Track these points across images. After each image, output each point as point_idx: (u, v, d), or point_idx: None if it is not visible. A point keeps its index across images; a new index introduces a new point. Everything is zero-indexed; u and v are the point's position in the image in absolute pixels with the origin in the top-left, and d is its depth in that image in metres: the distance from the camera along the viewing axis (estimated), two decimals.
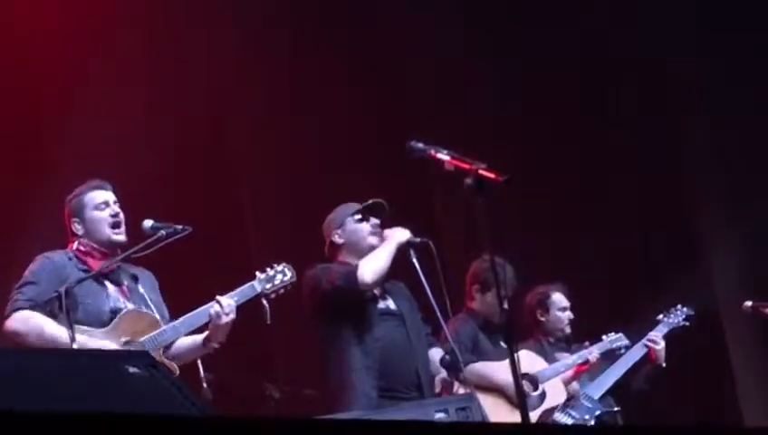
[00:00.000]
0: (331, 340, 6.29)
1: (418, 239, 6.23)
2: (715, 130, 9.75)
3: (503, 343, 6.88)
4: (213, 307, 5.79)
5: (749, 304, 7.98)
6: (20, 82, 8.28)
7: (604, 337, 7.64)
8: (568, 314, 7.74)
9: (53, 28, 8.43)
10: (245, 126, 9.35)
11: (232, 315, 5.81)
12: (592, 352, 7.52)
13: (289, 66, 9.26)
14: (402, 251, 6.22)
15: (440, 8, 9.70)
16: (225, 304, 5.79)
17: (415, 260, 6.14)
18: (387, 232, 6.34)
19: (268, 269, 6.00)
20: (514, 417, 6.65)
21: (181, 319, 5.85)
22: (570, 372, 7.43)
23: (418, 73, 9.82)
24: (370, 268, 6.22)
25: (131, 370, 3.97)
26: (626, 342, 7.66)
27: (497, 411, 6.58)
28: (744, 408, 9.40)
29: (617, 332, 7.70)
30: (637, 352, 7.71)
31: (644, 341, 7.73)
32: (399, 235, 6.27)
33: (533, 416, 6.97)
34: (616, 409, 7.56)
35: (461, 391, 6.20)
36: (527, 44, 9.65)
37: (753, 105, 9.52)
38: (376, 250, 6.28)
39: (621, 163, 9.67)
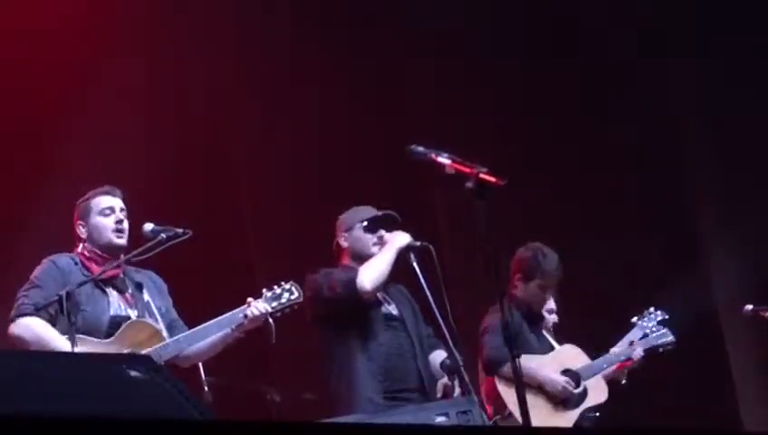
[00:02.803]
0: (334, 345, 6.29)
1: (419, 243, 6.22)
2: (715, 130, 9.74)
3: (546, 334, 7.05)
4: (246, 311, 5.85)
5: (749, 307, 7.93)
6: (20, 82, 8.27)
7: (649, 332, 7.43)
8: (553, 318, 7.58)
9: (53, 28, 8.42)
10: (245, 126, 9.34)
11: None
12: (636, 350, 7.33)
13: (289, 66, 9.25)
14: (402, 255, 6.21)
15: (440, 8, 9.69)
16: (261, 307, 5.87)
17: (415, 264, 6.13)
18: (386, 236, 6.32)
19: (275, 287, 5.95)
20: (553, 415, 6.64)
21: (185, 334, 5.83)
22: (612, 369, 7.26)
23: (418, 73, 9.81)
24: (370, 275, 6.21)
25: (132, 373, 3.97)
26: (671, 338, 7.46)
27: (536, 409, 6.38)
28: (743, 410, 9.39)
29: (659, 328, 7.46)
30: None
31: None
32: (399, 239, 6.25)
33: (574, 414, 6.95)
34: (596, 414, 7.38)
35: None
36: (527, 44, 9.64)
37: (753, 105, 9.51)
38: (376, 256, 6.27)
39: (621, 163, 9.66)
